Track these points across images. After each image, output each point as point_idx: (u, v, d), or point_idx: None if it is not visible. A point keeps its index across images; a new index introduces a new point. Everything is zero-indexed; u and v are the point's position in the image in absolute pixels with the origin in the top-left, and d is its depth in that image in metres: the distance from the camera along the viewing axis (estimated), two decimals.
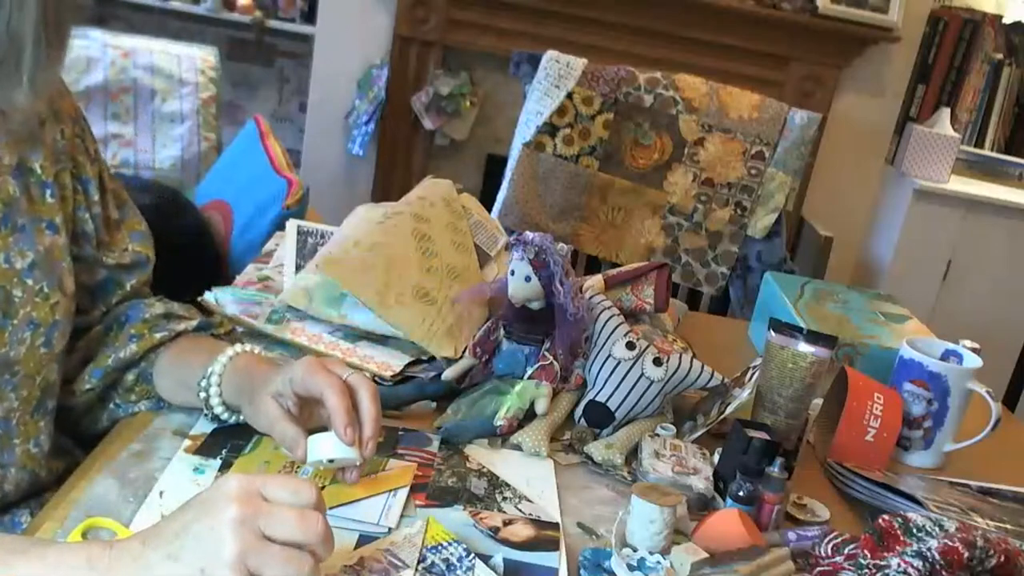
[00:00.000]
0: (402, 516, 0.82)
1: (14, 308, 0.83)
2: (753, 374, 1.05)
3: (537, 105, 1.99)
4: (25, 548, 0.65)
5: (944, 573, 0.74)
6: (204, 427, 0.91)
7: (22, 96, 0.74)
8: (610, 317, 1.07)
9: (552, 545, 0.82)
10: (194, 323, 0.99)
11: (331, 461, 0.81)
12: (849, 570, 0.79)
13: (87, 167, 0.92)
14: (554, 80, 1.98)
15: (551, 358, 1.05)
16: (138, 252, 0.98)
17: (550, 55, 2.00)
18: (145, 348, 0.95)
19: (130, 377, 0.95)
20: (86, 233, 0.92)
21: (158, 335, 0.96)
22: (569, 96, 1.98)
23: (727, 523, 0.82)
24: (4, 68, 0.73)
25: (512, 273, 1.04)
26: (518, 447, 0.98)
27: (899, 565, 0.75)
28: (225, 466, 0.85)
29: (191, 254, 1.78)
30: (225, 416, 0.90)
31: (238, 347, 0.91)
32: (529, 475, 0.94)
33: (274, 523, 0.61)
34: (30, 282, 0.84)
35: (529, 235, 1.04)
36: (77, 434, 0.98)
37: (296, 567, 0.61)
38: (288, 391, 0.82)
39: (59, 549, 0.65)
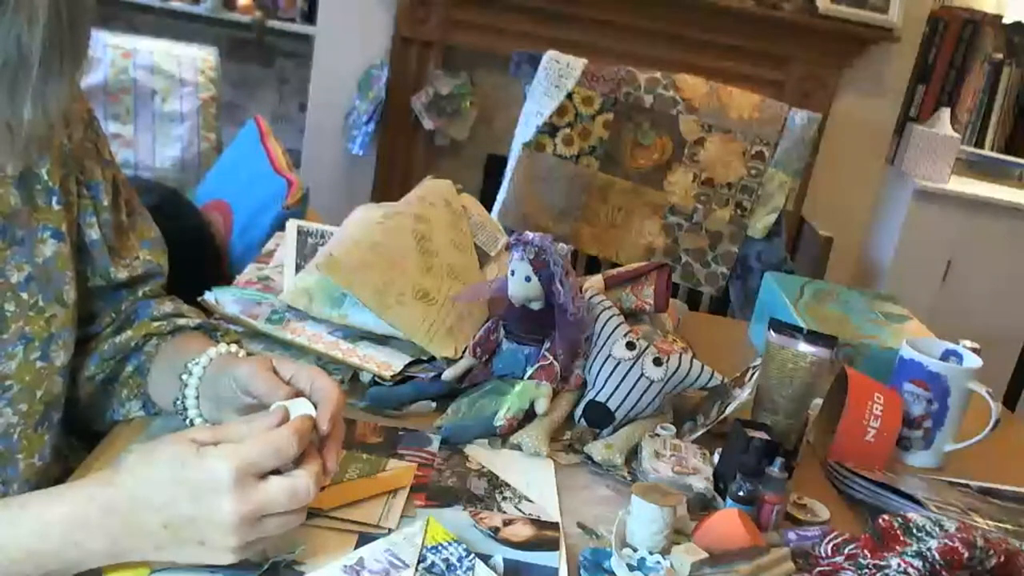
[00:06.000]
0: (402, 516, 0.82)
1: (5, 323, 0.82)
2: (753, 374, 1.05)
3: (537, 105, 1.99)
4: (8, 515, 0.68)
5: (944, 573, 0.74)
6: None
7: (28, 111, 0.74)
8: (610, 317, 1.07)
9: (552, 545, 0.82)
10: (196, 321, 0.98)
11: None
12: (849, 570, 0.79)
13: (97, 172, 0.91)
14: (554, 80, 1.98)
15: (551, 358, 1.05)
16: (150, 261, 0.97)
17: (550, 55, 2.00)
18: (141, 333, 0.94)
19: (129, 368, 0.94)
20: (93, 240, 0.91)
21: (155, 324, 0.95)
22: (569, 96, 1.98)
23: (727, 523, 0.82)
24: (13, 82, 0.72)
25: (512, 273, 1.04)
26: (518, 447, 0.98)
27: (899, 565, 0.75)
28: None
29: (191, 254, 1.78)
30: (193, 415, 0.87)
31: (223, 347, 0.87)
32: (529, 475, 0.94)
33: (270, 508, 0.68)
34: (25, 295, 0.83)
35: (529, 235, 1.04)
36: (81, 432, 0.97)
37: (291, 526, 0.70)
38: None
39: (42, 510, 0.68)
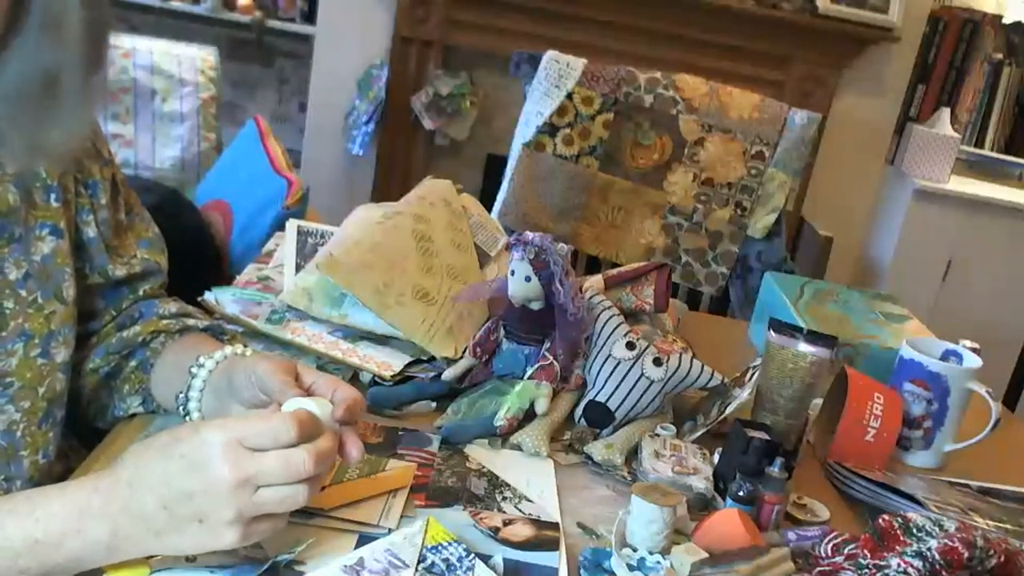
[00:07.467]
0: (402, 516, 0.82)
1: (4, 320, 0.82)
2: (753, 374, 1.05)
3: (537, 105, 1.99)
4: (12, 506, 0.68)
5: (944, 573, 0.74)
6: None
7: (55, 135, 0.75)
8: (610, 317, 1.07)
9: (552, 545, 0.82)
10: (204, 323, 0.99)
11: None
12: (849, 570, 0.79)
13: (95, 170, 0.91)
14: (554, 80, 1.98)
15: (551, 358, 1.05)
16: (147, 260, 0.97)
17: (550, 55, 2.00)
18: (149, 330, 0.94)
19: (132, 364, 0.95)
20: (90, 238, 0.91)
21: (163, 322, 0.96)
22: (569, 96, 1.98)
23: (727, 523, 0.82)
24: (39, 107, 0.73)
25: (512, 273, 1.04)
26: (518, 447, 0.98)
27: (899, 565, 0.75)
28: None
29: (191, 254, 1.78)
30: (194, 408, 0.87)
31: (238, 347, 0.89)
32: (529, 475, 0.94)
33: (264, 478, 0.67)
34: (23, 293, 0.83)
35: (529, 235, 1.04)
36: (83, 431, 0.97)
37: (290, 503, 0.68)
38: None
39: (46, 501, 0.69)
